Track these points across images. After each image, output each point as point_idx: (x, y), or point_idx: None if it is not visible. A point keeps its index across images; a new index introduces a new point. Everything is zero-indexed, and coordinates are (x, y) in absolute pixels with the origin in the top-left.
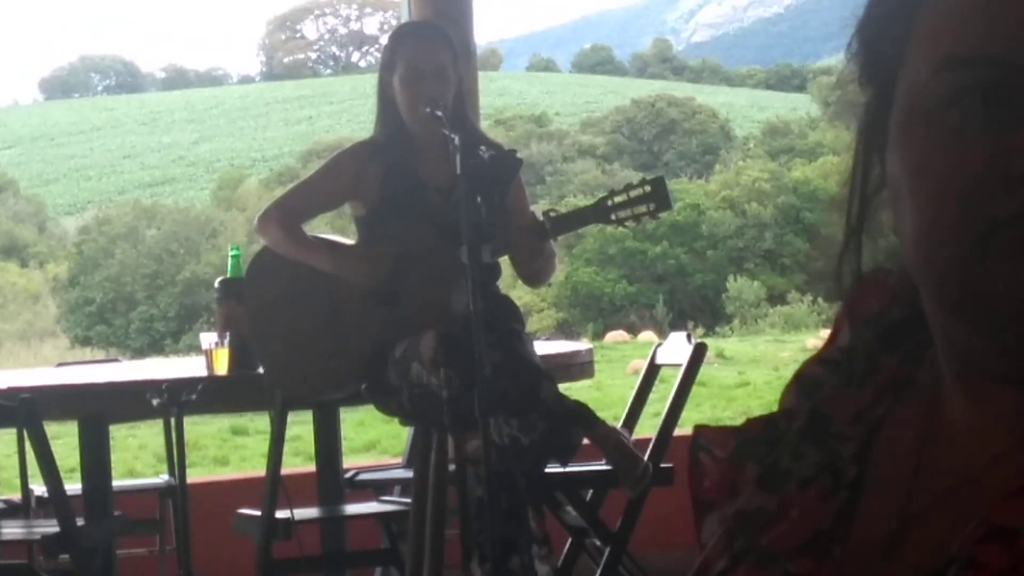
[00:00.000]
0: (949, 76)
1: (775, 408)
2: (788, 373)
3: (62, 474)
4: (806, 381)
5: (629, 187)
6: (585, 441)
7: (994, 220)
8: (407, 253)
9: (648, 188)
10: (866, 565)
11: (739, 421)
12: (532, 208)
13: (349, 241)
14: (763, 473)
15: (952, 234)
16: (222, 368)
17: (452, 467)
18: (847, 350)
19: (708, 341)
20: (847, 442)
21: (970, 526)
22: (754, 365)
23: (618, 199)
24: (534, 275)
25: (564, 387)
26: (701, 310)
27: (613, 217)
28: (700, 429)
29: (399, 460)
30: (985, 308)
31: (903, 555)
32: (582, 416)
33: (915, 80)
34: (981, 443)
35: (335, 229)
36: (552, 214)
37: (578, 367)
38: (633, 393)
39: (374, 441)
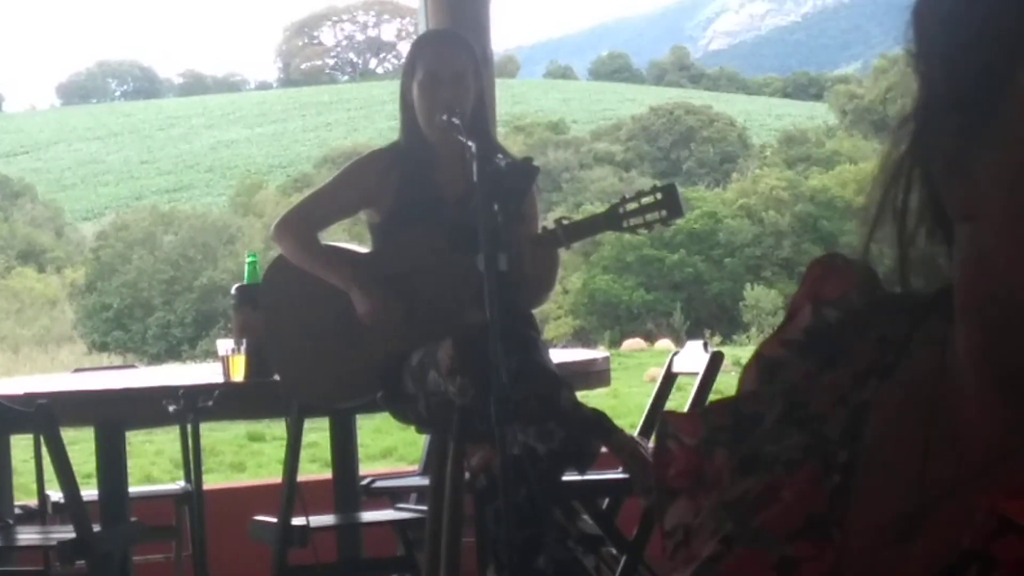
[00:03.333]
0: None
1: None
2: None
3: (79, 480)
4: (767, 362)
5: (641, 194)
6: (603, 450)
7: None
8: (419, 273)
9: (660, 195)
10: (875, 550)
11: None
12: (548, 214)
13: (364, 249)
14: (744, 458)
15: None
16: (239, 375)
17: (468, 475)
18: (809, 331)
19: (725, 349)
20: (831, 424)
21: (978, 519)
22: None
23: (630, 206)
24: (533, 294)
25: (581, 395)
26: (718, 318)
27: (625, 224)
28: (667, 416)
29: (416, 467)
30: None
31: (916, 543)
32: (600, 425)
33: None
34: (999, 439)
35: (352, 236)
36: (564, 221)
37: (595, 375)
38: (650, 401)
39: (391, 448)
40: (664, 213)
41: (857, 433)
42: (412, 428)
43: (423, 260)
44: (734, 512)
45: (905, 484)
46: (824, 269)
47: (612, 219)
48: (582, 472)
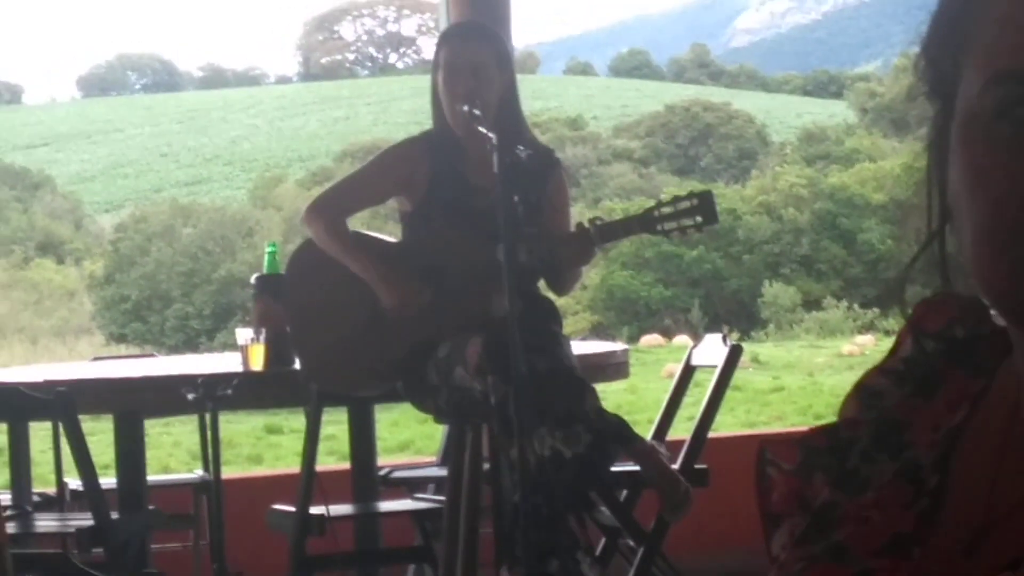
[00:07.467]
0: (998, 90)
1: (808, 413)
2: (823, 379)
3: (97, 470)
4: (868, 391)
5: (677, 199)
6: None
7: None
8: (448, 263)
9: (696, 201)
10: (948, 563)
11: (774, 426)
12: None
13: (392, 239)
14: (837, 478)
15: (1006, 243)
16: (257, 364)
17: (486, 466)
18: (908, 360)
19: (743, 346)
20: (926, 451)
21: None
22: (789, 370)
23: (665, 210)
24: (565, 282)
25: (600, 387)
26: (736, 315)
27: (659, 228)
28: (765, 443)
29: (433, 459)
30: None
31: (985, 552)
32: (621, 432)
33: (969, 94)
34: None
35: (372, 229)
36: (598, 222)
37: (613, 367)
38: (668, 394)
39: (408, 441)
40: (699, 219)
41: (948, 459)
42: (430, 421)
43: (453, 250)
44: (820, 524)
45: (976, 503)
46: (928, 305)
47: (647, 222)
48: (602, 480)
